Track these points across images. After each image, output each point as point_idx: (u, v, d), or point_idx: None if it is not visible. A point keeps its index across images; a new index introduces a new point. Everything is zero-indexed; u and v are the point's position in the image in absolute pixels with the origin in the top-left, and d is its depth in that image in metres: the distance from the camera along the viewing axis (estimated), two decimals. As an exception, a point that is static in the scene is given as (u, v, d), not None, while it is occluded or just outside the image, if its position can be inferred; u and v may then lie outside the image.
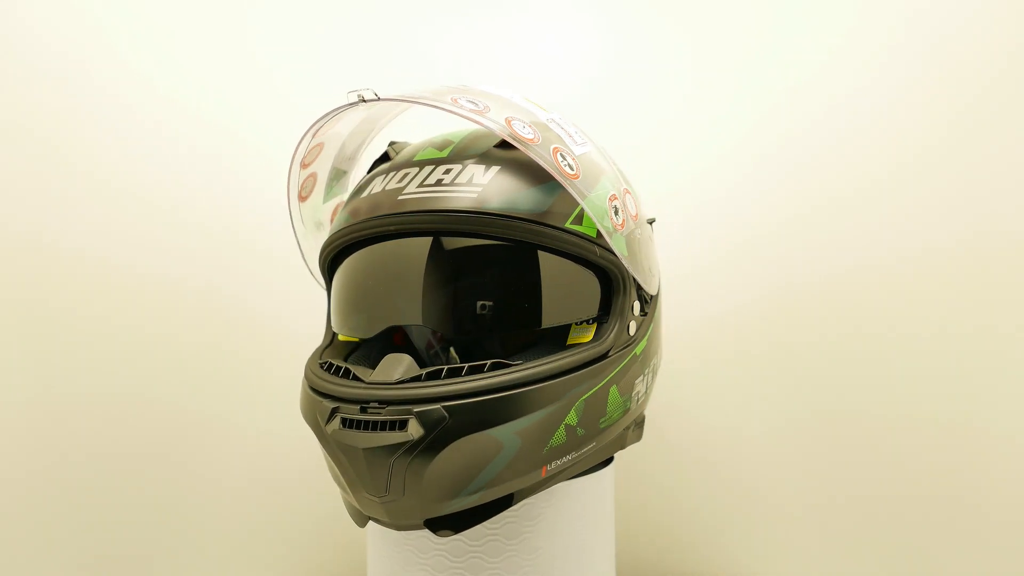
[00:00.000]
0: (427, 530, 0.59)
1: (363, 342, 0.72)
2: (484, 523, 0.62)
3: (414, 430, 0.55)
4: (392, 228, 0.62)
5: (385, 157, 0.72)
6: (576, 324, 0.66)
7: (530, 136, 0.60)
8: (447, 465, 0.56)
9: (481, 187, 0.61)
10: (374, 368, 0.60)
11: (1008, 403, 0.97)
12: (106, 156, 1.00)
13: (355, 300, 0.68)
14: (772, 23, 1.03)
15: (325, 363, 0.65)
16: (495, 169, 0.62)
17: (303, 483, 1.04)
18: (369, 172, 0.72)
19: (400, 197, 0.62)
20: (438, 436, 0.56)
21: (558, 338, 0.67)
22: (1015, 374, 0.96)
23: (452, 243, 0.62)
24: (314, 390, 0.62)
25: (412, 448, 0.55)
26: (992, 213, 0.97)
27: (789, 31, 1.03)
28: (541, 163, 0.58)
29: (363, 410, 0.57)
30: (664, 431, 1.04)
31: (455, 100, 0.59)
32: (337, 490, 1.02)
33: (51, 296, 0.98)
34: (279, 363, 1.02)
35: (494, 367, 0.58)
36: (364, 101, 0.60)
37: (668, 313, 1.00)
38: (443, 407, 0.56)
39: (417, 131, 0.75)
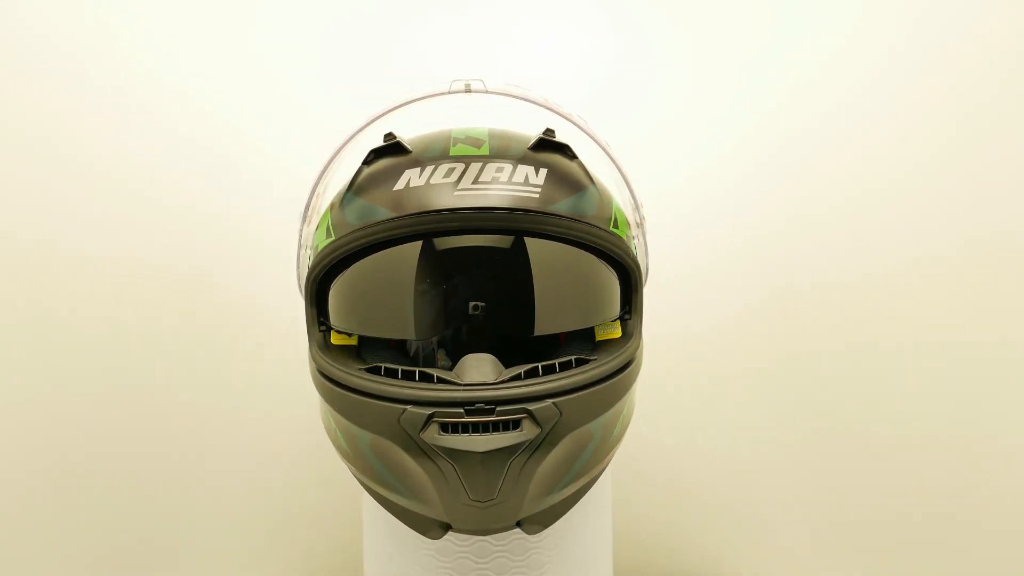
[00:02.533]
0: (518, 530, 0.59)
1: (383, 343, 0.69)
2: (491, 541, 0.65)
3: (529, 429, 0.55)
4: (457, 224, 0.60)
5: (394, 149, 0.66)
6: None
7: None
8: (553, 461, 0.57)
9: (540, 188, 0.62)
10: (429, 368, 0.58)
11: (1016, 416, 0.96)
12: (108, 152, 1.00)
13: (409, 298, 0.62)
14: (773, 23, 1.03)
15: (374, 368, 0.60)
16: (544, 171, 0.63)
17: (302, 482, 1.04)
18: (369, 163, 0.66)
19: (457, 192, 0.60)
20: (551, 433, 0.56)
21: (583, 334, 0.68)
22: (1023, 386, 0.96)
23: (519, 243, 0.62)
24: (385, 397, 0.57)
25: (529, 447, 0.55)
26: (1000, 216, 0.96)
27: (790, 32, 1.02)
28: (619, 170, 0.67)
29: (468, 413, 0.55)
30: (662, 440, 1.04)
31: (546, 100, 0.62)
32: (337, 490, 1.03)
33: (52, 292, 0.99)
34: (280, 362, 1.02)
35: (579, 363, 0.60)
36: (470, 91, 0.59)
37: (668, 318, 1.01)
38: (553, 403, 0.56)
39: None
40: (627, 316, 0.68)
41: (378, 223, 0.61)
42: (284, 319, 1.02)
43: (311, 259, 0.66)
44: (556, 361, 0.60)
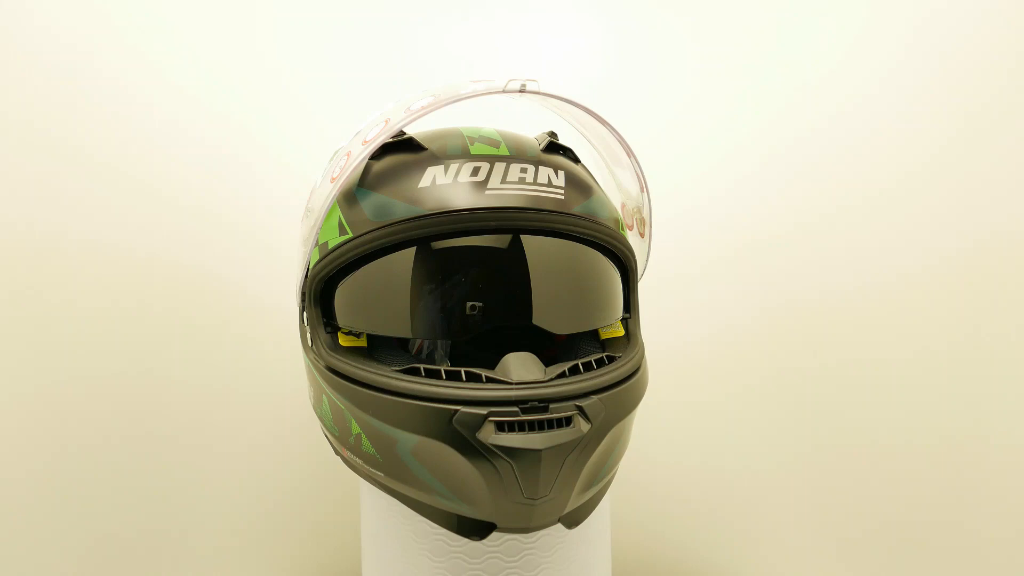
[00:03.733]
0: (559, 525, 0.60)
1: (393, 344, 0.68)
2: (485, 541, 0.63)
3: (580, 425, 0.56)
4: (493, 223, 0.61)
5: (405, 145, 0.66)
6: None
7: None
8: (596, 457, 0.59)
9: (563, 190, 0.63)
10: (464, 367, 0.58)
11: (1017, 424, 0.96)
12: (110, 148, 0.99)
13: (443, 298, 0.61)
14: (777, 22, 1.03)
15: (411, 369, 0.59)
16: (562, 173, 0.65)
17: (301, 482, 1.04)
18: (377, 158, 0.66)
19: (488, 191, 0.61)
20: (599, 428, 0.58)
21: (590, 334, 0.70)
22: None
23: (547, 243, 0.63)
24: (435, 398, 0.56)
25: (581, 443, 0.56)
26: (1009, 221, 0.96)
27: (794, 32, 1.02)
28: (640, 177, 0.71)
29: (523, 412, 0.55)
30: (659, 442, 1.04)
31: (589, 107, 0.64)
32: (336, 489, 1.03)
33: (55, 286, 0.98)
34: (280, 362, 1.02)
35: (609, 360, 0.63)
36: (524, 92, 0.59)
37: (669, 322, 1.00)
38: (599, 399, 0.58)
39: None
40: (627, 315, 0.71)
41: (416, 219, 0.60)
42: (288, 318, 1.01)
43: (315, 256, 0.65)
44: (592, 358, 0.61)
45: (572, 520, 0.61)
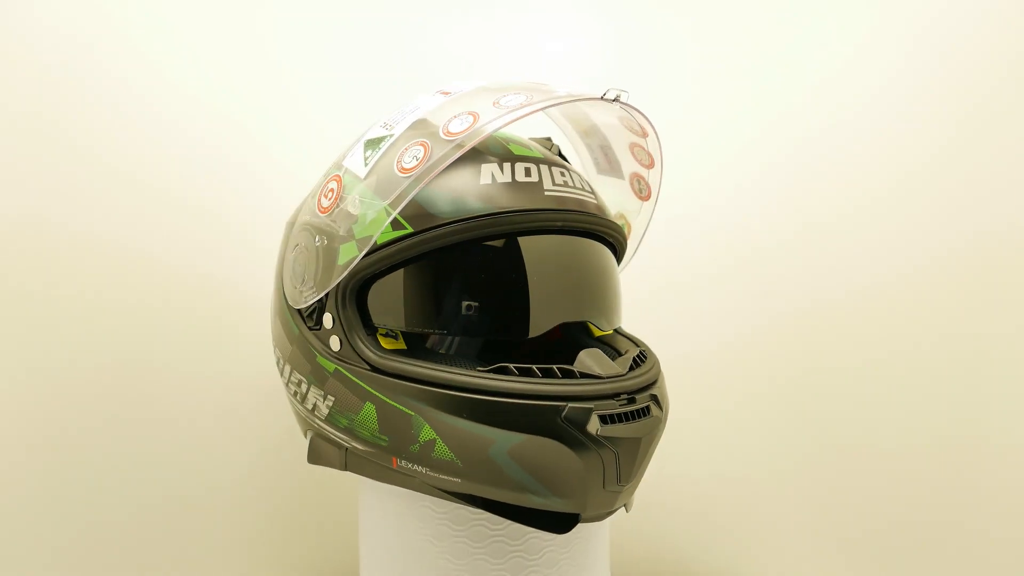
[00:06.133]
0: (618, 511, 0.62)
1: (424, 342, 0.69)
2: (487, 525, 0.64)
3: (657, 413, 0.61)
4: (559, 223, 0.63)
5: None
6: None
7: None
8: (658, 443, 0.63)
9: (593, 195, 0.67)
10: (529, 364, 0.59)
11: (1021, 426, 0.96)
12: (113, 145, 0.99)
13: (518, 295, 0.62)
14: (776, 23, 1.03)
15: (499, 368, 0.59)
16: (579, 176, 0.67)
17: (301, 481, 1.04)
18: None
19: (547, 192, 0.62)
20: (665, 416, 0.62)
21: (582, 327, 0.73)
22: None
23: (586, 244, 0.67)
24: (543, 396, 0.56)
25: (660, 429, 0.61)
26: (1013, 225, 0.96)
27: (795, 33, 1.03)
28: (655, 187, 0.74)
29: (620, 404, 0.58)
30: (658, 454, 1.03)
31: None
32: (335, 488, 1.02)
33: (56, 283, 0.97)
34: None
35: (644, 355, 0.67)
36: (617, 101, 0.60)
37: (666, 328, 1.00)
38: (660, 388, 0.63)
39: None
40: None
41: (494, 215, 0.59)
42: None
43: (349, 253, 0.59)
44: (634, 353, 0.66)
45: (629, 504, 0.64)
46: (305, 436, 0.72)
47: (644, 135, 0.71)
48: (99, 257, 0.98)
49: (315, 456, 0.69)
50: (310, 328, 0.65)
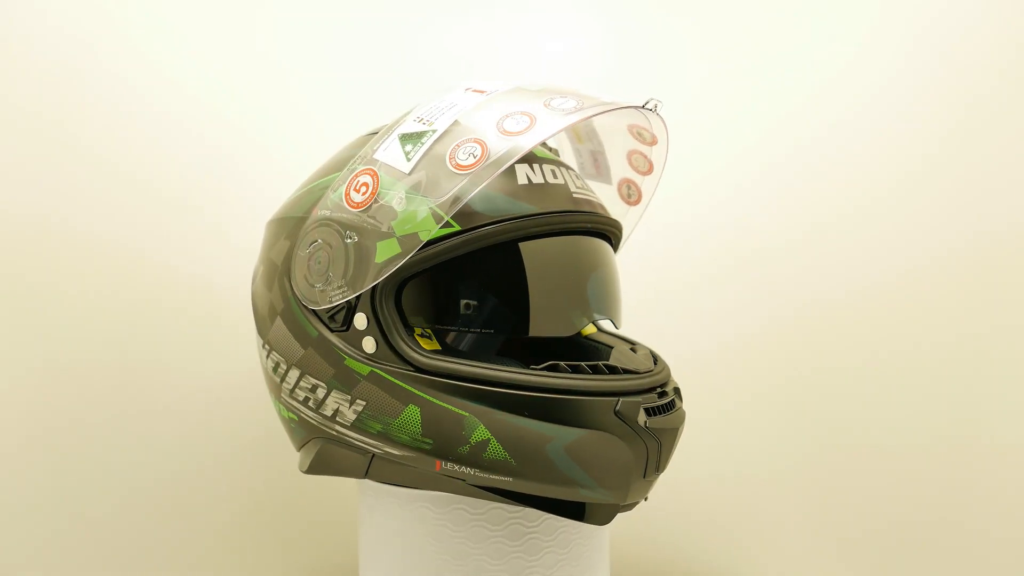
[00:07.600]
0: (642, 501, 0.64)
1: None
2: (487, 525, 0.65)
3: (680, 405, 0.64)
4: (588, 224, 0.66)
5: None
6: None
7: None
8: None
9: (594, 194, 0.69)
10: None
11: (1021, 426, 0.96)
12: (113, 145, 0.99)
13: (556, 294, 0.65)
14: (776, 23, 1.03)
15: (551, 366, 0.60)
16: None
17: (300, 481, 1.03)
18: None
19: (574, 194, 0.65)
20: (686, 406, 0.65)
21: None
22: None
23: (605, 245, 0.70)
24: (600, 392, 0.58)
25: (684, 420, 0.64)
26: (1015, 225, 0.96)
27: (795, 33, 1.03)
28: (648, 193, 0.75)
29: (658, 397, 0.61)
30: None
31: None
32: (330, 488, 1.02)
33: (56, 283, 0.97)
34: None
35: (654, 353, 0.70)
36: (655, 111, 0.62)
37: (666, 330, 1.00)
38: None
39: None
40: None
41: (542, 215, 0.61)
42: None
43: (390, 250, 0.56)
44: (646, 349, 0.69)
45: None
46: (300, 446, 0.70)
47: (653, 143, 0.71)
48: (99, 257, 0.98)
49: (321, 466, 0.66)
50: (334, 330, 0.61)
